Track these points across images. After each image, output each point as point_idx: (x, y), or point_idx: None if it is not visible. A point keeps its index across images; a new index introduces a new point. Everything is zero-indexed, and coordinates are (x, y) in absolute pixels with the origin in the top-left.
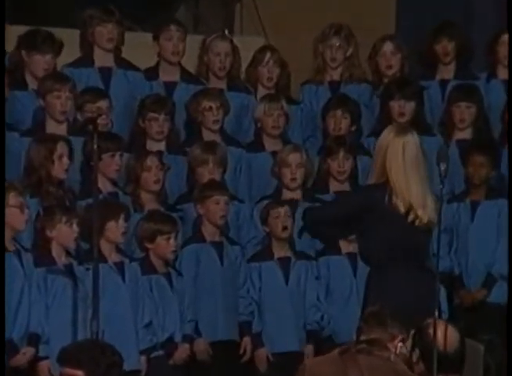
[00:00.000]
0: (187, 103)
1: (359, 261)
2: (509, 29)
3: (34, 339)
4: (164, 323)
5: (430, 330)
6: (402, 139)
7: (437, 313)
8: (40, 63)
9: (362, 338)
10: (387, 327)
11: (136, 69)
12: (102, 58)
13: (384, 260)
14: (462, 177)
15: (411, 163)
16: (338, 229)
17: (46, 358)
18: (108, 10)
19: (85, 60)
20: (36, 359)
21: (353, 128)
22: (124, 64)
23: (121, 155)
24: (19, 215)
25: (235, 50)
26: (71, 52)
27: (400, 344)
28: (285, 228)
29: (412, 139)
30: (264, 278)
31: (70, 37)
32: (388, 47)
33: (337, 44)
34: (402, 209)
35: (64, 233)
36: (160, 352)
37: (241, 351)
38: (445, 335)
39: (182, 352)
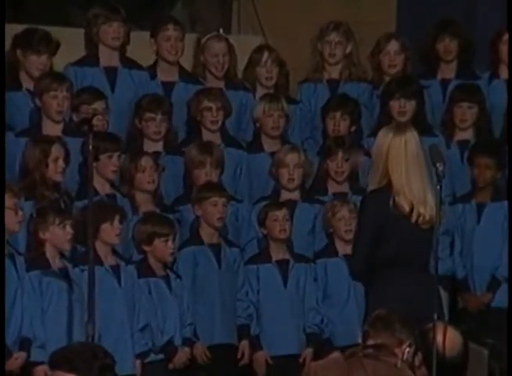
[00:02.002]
0: (188, 101)
1: None
2: (509, 29)
3: (25, 344)
4: (164, 326)
5: (432, 334)
6: (403, 137)
7: (436, 316)
8: (35, 62)
9: (369, 342)
10: (395, 332)
11: (141, 68)
12: (108, 57)
13: (389, 264)
14: (464, 178)
15: (413, 160)
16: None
17: (42, 363)
18: (114, 9)
19: (90, 59)
20: (29, 363)
21: (353, 129)
22: (129, 63)
23: (119, 156)
24: (13, 217)
25: (231, 49)
26: (68, 50)
27: (407, 349)
28: (283, 230)
29: (412, 136)
30: (262, 281)
31: (66, 36)
32: (393, 46)
33: (336, 39)
34: (407, 208)
35: (57, 235)
36: (159, 356)
37: (239, 354)
38: (448, 339)
39: (182, 356)
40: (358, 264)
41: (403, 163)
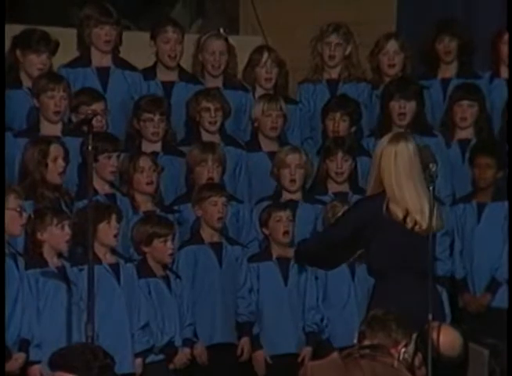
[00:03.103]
0: (187, 102)
1: (357, 265)
2: (509, 29)
3: (24, 345)
4: (164, 327)
5: (433, 334)
6: (394, 148)
7: (431, 317)
8: (35, 62)
9: (366, 342)
10: (391, 333)
11: (134, 69)
12: (100, 58)
13: (386, 269)
14: (465, 177)
15: (404, 172)
16: (338, 251)
17: (38, 362)
18: (105, 11)
19: (82, 60)
20: (28, 364)
21: (352, 130)
22: (122, 64)
23: (118, 156)
24: (17, 219)
25: (230, 49)
26: (67, 51)
27: (403, 349)
28: (286, 232)
29: (404, 147)
30: (262, 279)
31: (66, 37)
32: (392, 46)
33: (336, 41)
34: (400, 215)
35: (56, 236)
36: (160, 357)
37: (238, 352)
38: (448, 339)
39: (182, 357)
40: (312, 244)
41: (393, 174)
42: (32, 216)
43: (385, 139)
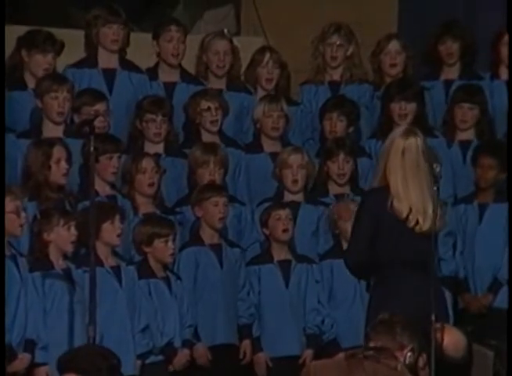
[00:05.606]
0: (186, 104)
1: None
2: (508, 29)
3: (29, 345)
4: (164, 328)
5: (437, 335)
6: (403, 143)
7: (433, 318)
8: (40, 62)
9: (371, 344)
10: (396, 336)
11: (141, 71)
12: (107, 59)
13: (386, 266)
14: (466, 178)
15: (410, 169)
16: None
17: (44, 364)
18: (113, 11)
19: (89, 61)
20: (33, 365)
21: (350, 130)
22: (129, 66)
23: (119, 157)
24: (15, 220)
25: (235, 50)
26: (71, 52)
27: (409, 353)
28: (285, 230)
29: (413, 142)
30: (263, 281)
31: (68, 38)
32: (394, 46)
33: (338, 42)
34: (404, 213)
35: (62, 237)
36: (159, 358)
37: (241, 354)
38: (452, 340)
39: (181, 358)
40: (353, 259)
41: (399, 170)
42: (38, 217)
43: (397, 132)
